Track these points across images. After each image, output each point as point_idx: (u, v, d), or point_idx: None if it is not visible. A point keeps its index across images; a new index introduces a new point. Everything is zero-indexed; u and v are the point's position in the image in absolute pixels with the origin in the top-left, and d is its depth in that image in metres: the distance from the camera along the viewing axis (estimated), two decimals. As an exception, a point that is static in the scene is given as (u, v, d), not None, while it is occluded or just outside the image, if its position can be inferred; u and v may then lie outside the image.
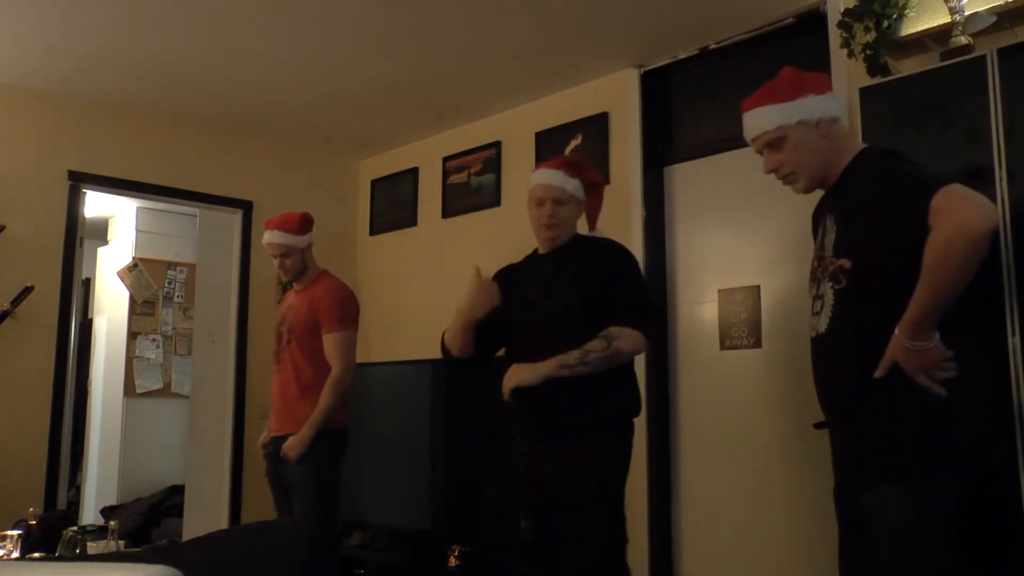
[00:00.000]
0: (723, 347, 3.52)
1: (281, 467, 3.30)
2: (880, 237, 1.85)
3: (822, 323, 1.98)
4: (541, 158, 4.19)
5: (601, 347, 2.37)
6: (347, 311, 3.38)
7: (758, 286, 3.43)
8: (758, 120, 2.06)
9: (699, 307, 3.64)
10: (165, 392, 5.95)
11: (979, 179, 2.35)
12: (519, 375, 2.45)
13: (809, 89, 2.01)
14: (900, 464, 1.82)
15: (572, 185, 2.59)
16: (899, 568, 1.83)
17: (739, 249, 3.53)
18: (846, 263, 1.90)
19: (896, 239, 1.80)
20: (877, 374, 1.84)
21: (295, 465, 3.22)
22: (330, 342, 3.32)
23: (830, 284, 1.95)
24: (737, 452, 3.44)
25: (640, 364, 3.63)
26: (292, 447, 3.21)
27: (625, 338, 2.38)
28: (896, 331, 1.80)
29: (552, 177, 2.59)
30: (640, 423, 3.60)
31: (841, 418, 1.98)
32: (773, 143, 2.05)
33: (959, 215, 1.68)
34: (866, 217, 1.90)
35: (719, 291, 3.55)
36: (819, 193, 2.14)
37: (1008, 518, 2.19)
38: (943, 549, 1.81)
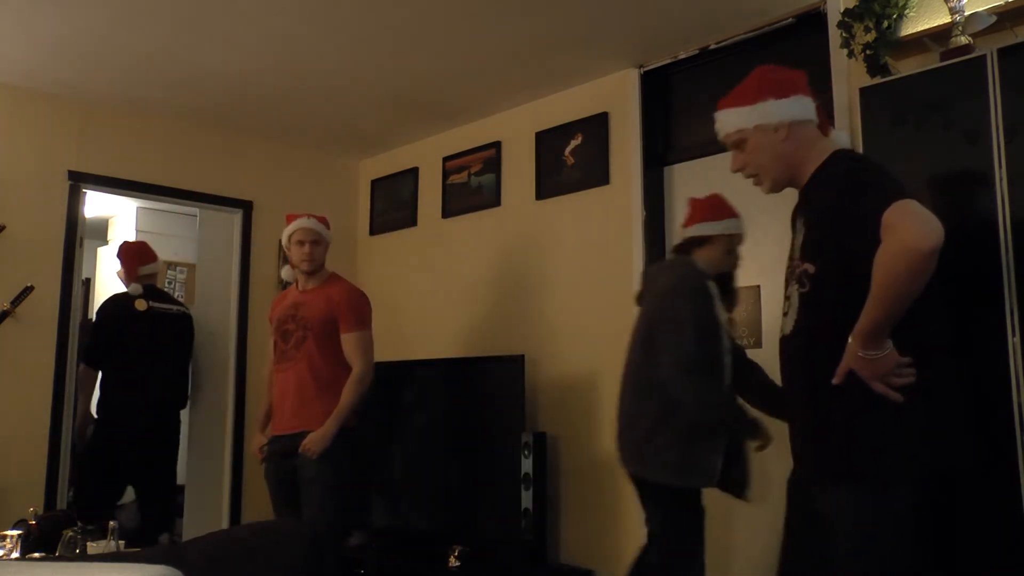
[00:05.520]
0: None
1: (295, 464, 3.31)
2: (840, 244, 1.87)
3: (788, 325, 2.01)
4: (541, 158, 4.20)
5: None
6: (366, 312, 3.52)
7: (758, 286, 3.43)
8: (722, 121, 2.11)
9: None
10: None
11: (979, 179, 2.36)
12: None
13: (769, 93, 2.03)
14: (854, 467, 1.84)
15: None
16: (853, 569, 1.85)
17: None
18: (810, 267, 1.92)
19: (854, 247, 1.80)
20: (835, 381, 1.86)
21: (315, 461, 3.24)
22: (351, 341, 3.40)
23: (796, 287, 1.98)
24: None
25: (640, 364, 3.64)
26: (315, 442, 3.24)
27: None
28: (849, 339, 1.82)
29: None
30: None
31: (800, 417, 2.01)
32: (737, 144, 2.09)
33: (905, 233, 1.70)
34: (828, 224, 1.92)
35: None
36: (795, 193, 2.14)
37: (981, 522, 2.22)
38: (898, 552, 1.83)
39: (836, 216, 1.90)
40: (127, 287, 4.32)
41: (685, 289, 2.65)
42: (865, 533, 1.83)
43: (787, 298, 2.03)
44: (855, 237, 1.79)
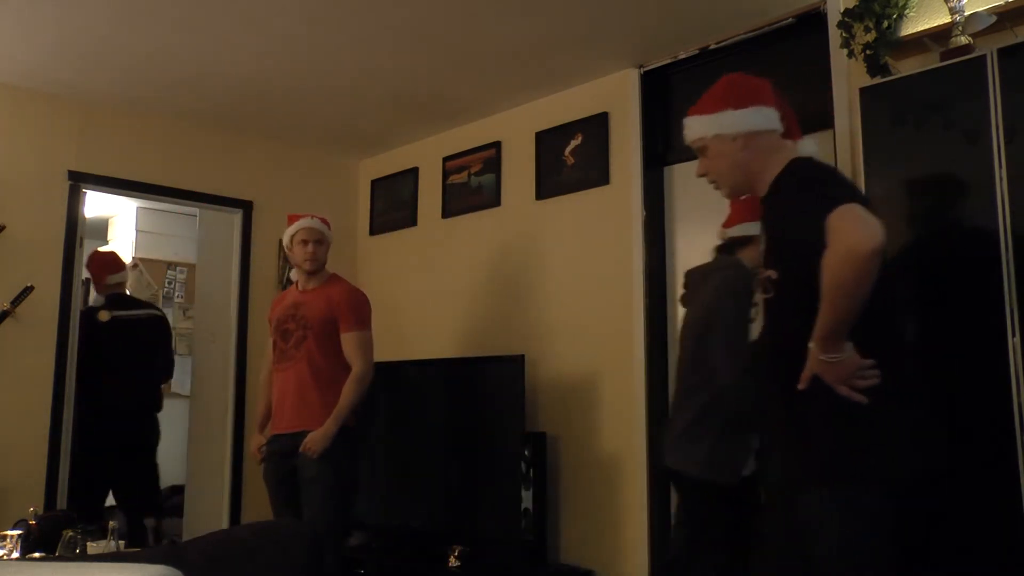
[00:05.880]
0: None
1: (295, 463, 3.31)
2: (797, 250, 1.90)
3: (755, 330, 2.08)
4: (541, 158, 4.20)
5: None
6: (366, 312, 3.53)
7: None
8: (687, 129, 2.17)
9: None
10: (165, 392, 5.94)
11: (979, 179, 2.36)
12: None
13: (728, 103, 2.08)
14: (826, 471, 1.87)
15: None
16: (837, 571, 1.87)
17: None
18: (773, 274, 1.96)
19: (810, 252, 1.82)
20: (800, 387, 1.88)
21: (315, 460, 3.25)
22: (351, 340, 3.41)
23: (762, 293, 2.02)
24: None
25: (639, 363, 3.64)
26: (316, 441, 3.25)
27: None
28: (810, 344, 1.85)
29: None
30: (639, 420, 3.61)
31: (772, 422, 2.03)
32: (701, 151, 2.15)
33: (846, 236, 1.73)
34: (785, 230, 1.96)
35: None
36: None
37: (981, 522, 2.23)
38: (879, 553, 1.86)
39: (792, 222, 1.93)
40: (92, 297, 4.45)
41: (738, 290, 2.70)
42: (846, 535, 1.85)
43: (754, 304, 2.10)
44: (809, 242, 1.81)
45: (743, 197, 2.75)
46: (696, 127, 2.14)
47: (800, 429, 1.92)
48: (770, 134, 2.08)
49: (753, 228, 2.73)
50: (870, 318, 1.81)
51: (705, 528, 2.78)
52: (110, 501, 4.54)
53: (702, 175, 2.18)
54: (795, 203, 1.92)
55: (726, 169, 2.10)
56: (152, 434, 4.54)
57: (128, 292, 4.92)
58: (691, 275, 3.01)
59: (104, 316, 4.35)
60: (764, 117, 2.08)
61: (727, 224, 2.87)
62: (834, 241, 1.74)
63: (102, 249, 4.96)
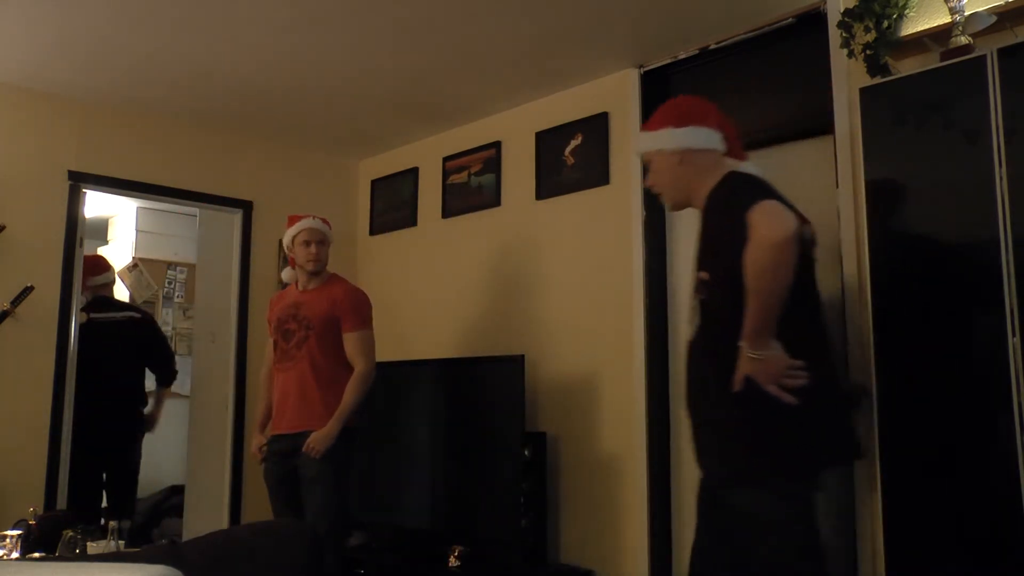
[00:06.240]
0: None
1: (295, 463, 3.31)
2: (725, 251, 2.03)
3: (690, 330, 2.19)
4: (541, 158, 4.20)
5: None
6: (368, 312, 3.55)
7: None
8: (635, 143, 2.41)
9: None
10: (166, 395, 5.94)
11: (979, 179, 2.36)
12: None
13: (670, 122, 2.26)
14: (756, 468, 1.97)
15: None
16: (776, 562, 1.98)
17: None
18: (704, 275, 2.12)
19: (735, 252, 1.95)
20: (735, 388, 1.98)
21: (317, 460, 3.25)
22: (354, 340, 3.43)
23: (695, 294, 2.16)
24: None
25: (639, 363, 3.64)
26: (319, 441, 3.26)
27: None
28: (740, 343, 1.95)
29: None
30: (639, 420, 3.61)
31: (704, 421, 2.13)
32: (646, 165, 2.32)
33: (762, 227, 1.89)
34: (714, 232, 2.12)
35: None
36: None
37: (981, 522, 2.26)
38: (806, 546, 1.97)
39: (720, 225, 2.08)
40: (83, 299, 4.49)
41: None
42: (774, 528, 1.97)
43: (692, 307, 2.20)
44: (736, 242, 1.94)
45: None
46: (643, 142, 2.32)
47: (734, 428, 2.03)
48: (709, 152, 2.24)
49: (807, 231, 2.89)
50: (795, 318, 1.94)
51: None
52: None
53: (649, 187, 2.35)
54: (723, 208, 2.07)
55: (667, 182, 2.27)
56: (136, 430, 4.64)
57: (114, 294, 4.99)
58: None
59: (81, 318, 4.35)
60: (703, 136, 2.24)
61: None
62: (753, 234, 1.89)
63: (87, 252, 5.02)
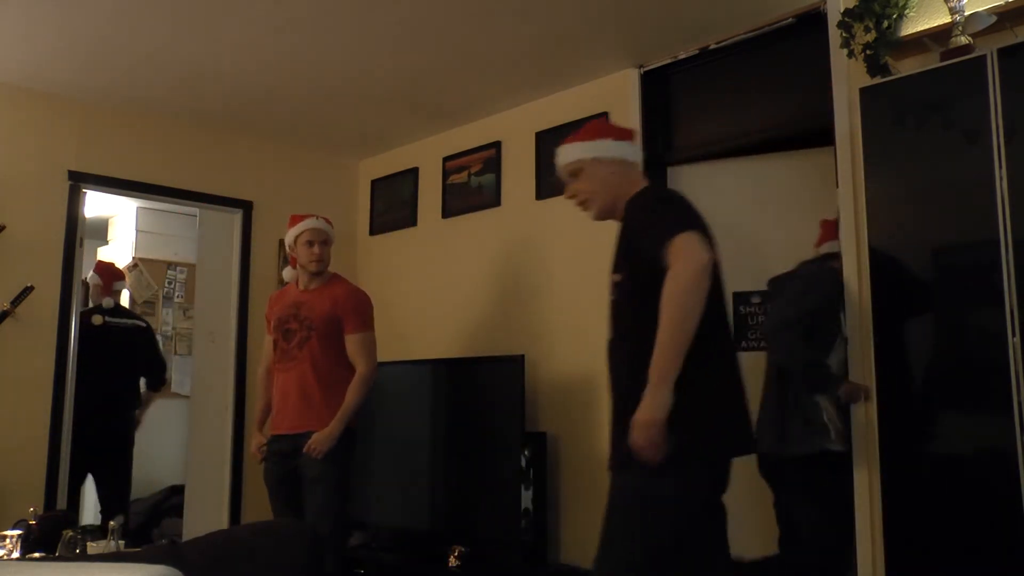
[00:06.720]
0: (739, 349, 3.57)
1: (296, 463, 3.31)
2: (634, 259, 2.19)
3: (609, 330, 2.31)
4: (541, 158, 4.20)
5: None
6: (370, 313, 3.55)
7: None
8: (563, 154, 2.42)
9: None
10: (165, 392, 5.93)
11: (979, 179, 2.36)
12: None
13: (607, 135, 2.40)
14: (629, 458, 2.07)
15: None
16: (619, 547, 2.15)
17: (752, 250, 3.57)
18: (617, 278, 2.25)
19: (644, 263, 2.12)
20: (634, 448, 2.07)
21: (318, 461, 3.25)
22: (356, 342, 3.42)
23: (611, 295, 2.28)
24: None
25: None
26: (320, 442, 3.26)
27: None
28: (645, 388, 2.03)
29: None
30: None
31: (615, 414, 2.25)
32: (573, 174, 2.41)
33: (680, 260, 2.03)
34: (627, 238, 2.24)
35: (733, 293, 3.58)
36: None
37: (981, 522, 2.25)
38: (659, 536, 2.10)
39: (633, 232, 2.22)
40: (99, 301, 4.74)
41: (825, 284, 3.10)
42: (632, 514, 2.12)
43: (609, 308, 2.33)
44: (649, 255, 2.09)
45: (832, 219, 3.10)
46: (574, 151, 2.40)
47: (620, 417, 2.15)
48: (636, 167, 2.40)
49: (838, 246, 3.04)
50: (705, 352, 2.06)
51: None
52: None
53: (571, 197, 2.44)
54: (641, 221, 2.20)
55: (599, 189, 2.36)
56: (129, 427, 4.81)
57: (123, 301, 5.27)
58: (775, 281, 3.28)
59: (97, 320, 4.63)
60: (634, 151, 2.41)
61: (818, 244, 3.22)
62: (674, 262, 2.02)
63: (103, 259, 5.30)
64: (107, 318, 4.70)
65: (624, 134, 2.45)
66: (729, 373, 2.20)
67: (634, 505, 2.13)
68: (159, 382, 5.02)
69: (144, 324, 5.03)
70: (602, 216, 2.41)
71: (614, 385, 2.27)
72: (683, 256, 2.02)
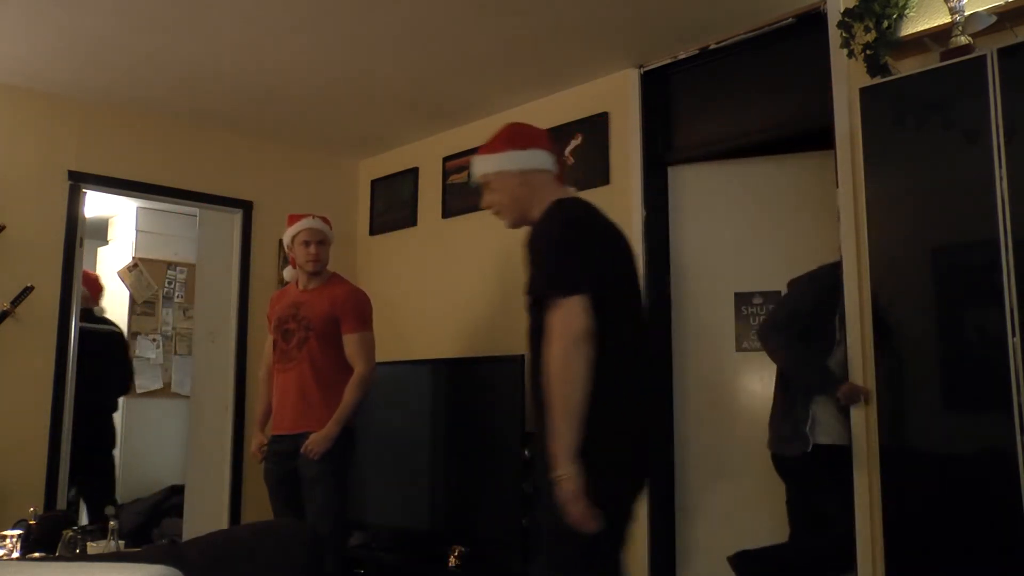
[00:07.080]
0: (738, 349, 3.58)
1: (295, 464, 3.31)
2: (531, 289, 2.15)
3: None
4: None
5: None
6: (368, 313, 3.54)
7: (780, 292, 3.44)
8: (474, 165, 2.42)
9: (713, 310, 3.64)
10: (165, 392, 5.95)
11: (979, 179, 2.36)
12: None
13: (512, 145, 2.36)
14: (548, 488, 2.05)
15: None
16: (549, 558, 2.12)
17: (754, 252, 3.57)
18: (528, 299, 2.18)
19: (537, 299, 2.11)
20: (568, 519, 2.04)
21: (316, 462, 3.25)
22: (354, 342, 3.42)
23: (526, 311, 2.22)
24: (753, 457, 3.45)
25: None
26: (318, 443, 3.26)
27: None
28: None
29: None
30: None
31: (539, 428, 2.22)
32: (484, 186, 2.41)
33: (555, 332, 2.01)
34: (530, 263, 2.18)
35: (735, 294, 3.58)
36: None
37: (980, 522, 2.23)
38: (573, 556, 2.07)
39: (531, 262, 2.16)
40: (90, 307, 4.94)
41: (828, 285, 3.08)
42: (554, 533, 2.07)
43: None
44: (537, 289, 2.11)
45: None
46: (483, 164, 2.39)
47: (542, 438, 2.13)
48: (544, 173, 2.35)
49: None
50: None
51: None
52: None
53: (486, 207, 2.44)
54: (538, 254, 2.15)
55: (507, 201, 2.35)
56: (107, 427, 5.01)
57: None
58: (792, 282, 3.24)
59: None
60: (540, 158, 2.35)
61: None
62: (550, 331, 2.01)
63: (88, 271, 5.38)
64: (83, 323, 4.67)
65: (532, 141, 2.40)
66: (628, 416, 2.13)
67: (555, 527, 2.09)
68: (124, 388, 5.25)
69: (118, 330, 5.22)
70: (516, 226, 2.39)
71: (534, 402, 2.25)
72: (558, 328, 2.00)
